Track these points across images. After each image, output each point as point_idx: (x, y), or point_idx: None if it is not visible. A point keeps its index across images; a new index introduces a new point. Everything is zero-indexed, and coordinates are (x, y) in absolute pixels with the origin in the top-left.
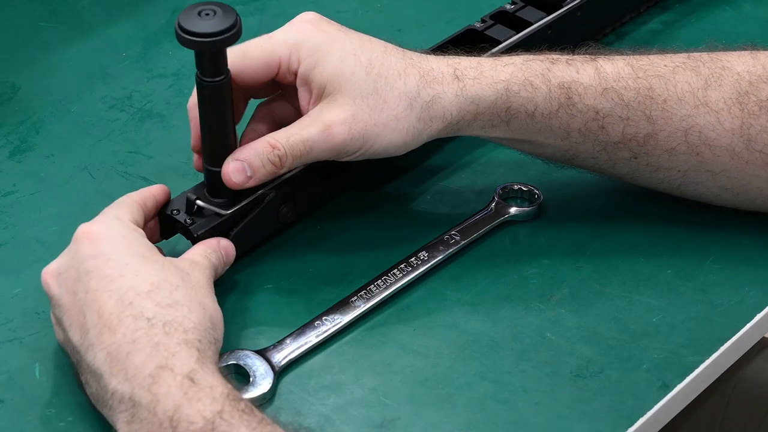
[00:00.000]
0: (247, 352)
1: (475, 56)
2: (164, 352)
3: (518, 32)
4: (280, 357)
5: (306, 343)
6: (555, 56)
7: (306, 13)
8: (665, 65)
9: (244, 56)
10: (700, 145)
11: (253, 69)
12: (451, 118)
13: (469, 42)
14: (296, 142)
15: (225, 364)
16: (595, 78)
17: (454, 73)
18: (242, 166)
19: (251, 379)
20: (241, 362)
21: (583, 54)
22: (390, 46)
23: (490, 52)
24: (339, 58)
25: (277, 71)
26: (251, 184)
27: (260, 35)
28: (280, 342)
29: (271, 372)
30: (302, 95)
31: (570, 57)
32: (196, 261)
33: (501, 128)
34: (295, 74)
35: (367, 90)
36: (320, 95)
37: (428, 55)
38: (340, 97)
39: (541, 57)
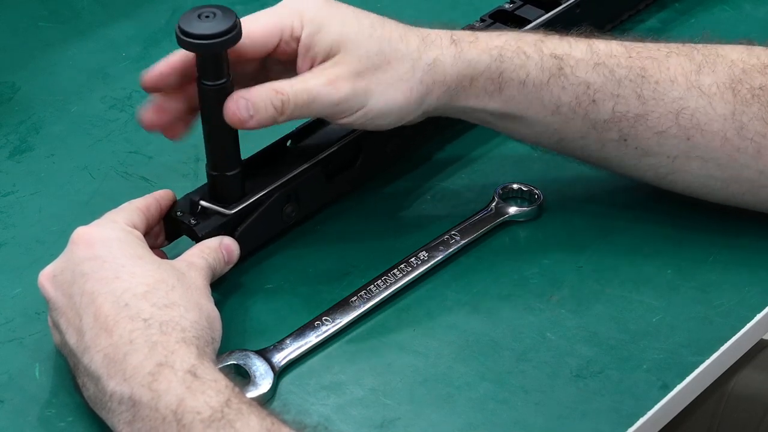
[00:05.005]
0: (247, 352)
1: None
2: (163, 351)
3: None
4: (280, 357)
5: (306, 344)
6: (548, 32)
7: None
8: (659, 49)
9: (250, 22)
10: (692, 128)
11: (257, 35)
12: (450, 82)
13: None
14: (300, 90)
15: (225, 364)
16: (587, 53)
17: (452, 38)
18: (246, 104)
19: (251, 379)
20: (241, 362)
21: (577, 34)
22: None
23: None
24: (342, 22)
25: (279, 39)
26: (251, 124)
27: None
28: (280, 342)
29: (271, 372)
30: (302, 63)
31: (563, 34)
32: (193, 262)
33: (495, 98)
34: (298, 40)
35: (372, 50)
36: (324, 59)
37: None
38: (346, 56)
39: (534, 31)
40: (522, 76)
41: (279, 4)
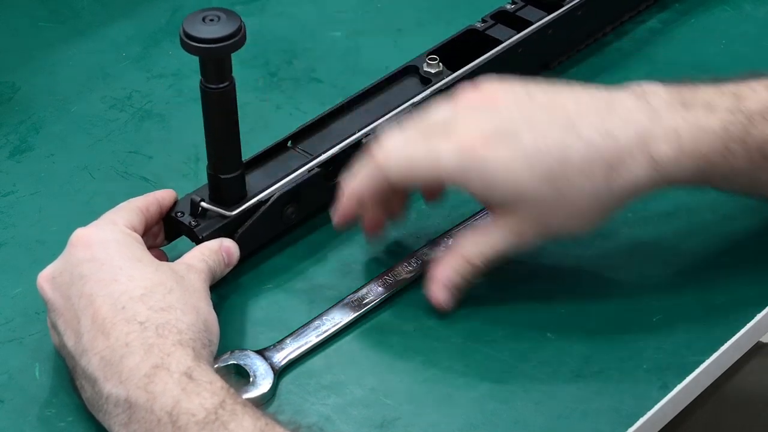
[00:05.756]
0: (247, 351)
1: (670, 111)
2: (159, 353)
3: (519, 32)
4: (280, 357)
5: (306, 343)
6: (749, 106)
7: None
8: None
9: (411, 170)
10: None
11: (419, 182)
12: (639, 196)
13: (470, 42)
14: (491, 256)
15: (225, 363)
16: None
17: (649, 153)
18: (446, 286)
19: (251, 378)
20: (241, 362)
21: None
22: (570, 127)
23: (491, 53)
24: (513, 179)
25: (420, 184)
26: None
27: (262, 36)
28: (280, 342)
29: (271, 372)
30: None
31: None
32: (193, 264)
33: (699, 184)
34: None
35: (551, 197)
36: (498, 208)
37: (614, 126)
38: (523, 207)
39: (737, 109)
40: (726, 172)
41: (443, 146)
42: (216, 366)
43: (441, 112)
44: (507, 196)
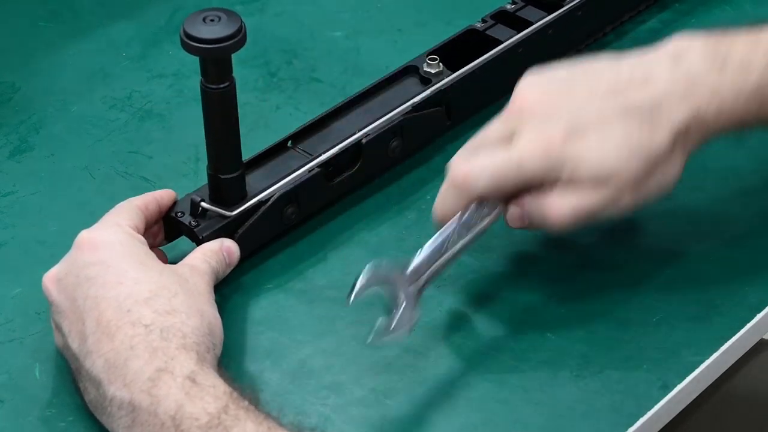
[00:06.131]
0: (396, 277)
1: (707, 71)
2: (163, 356)
3: (519, 32)
4: (419, 282)
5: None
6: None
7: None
8: None
9: (497, 181)
10: None
11: (505, 191)
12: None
13: (470, 42)
14: (583, 220)
15: (367, 287)
16: None
17: (699, 116)
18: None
19: (394, 312)
20: (387, 294)
21: None
22: (619, 96)
23: (491, 53)
24: (605, 164)
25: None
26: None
27: (262, 36)
28: (410, 266)
29: (412, 304)
30: None
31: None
32: (196, 266)
33: None
34: None
35: (641, 163)
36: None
37: (658, 94)
38: (618, 182)
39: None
40: (765, 122)
41: (525, 152)
42: (361, 283)
43: (500, 127)
44: (601, 179)
